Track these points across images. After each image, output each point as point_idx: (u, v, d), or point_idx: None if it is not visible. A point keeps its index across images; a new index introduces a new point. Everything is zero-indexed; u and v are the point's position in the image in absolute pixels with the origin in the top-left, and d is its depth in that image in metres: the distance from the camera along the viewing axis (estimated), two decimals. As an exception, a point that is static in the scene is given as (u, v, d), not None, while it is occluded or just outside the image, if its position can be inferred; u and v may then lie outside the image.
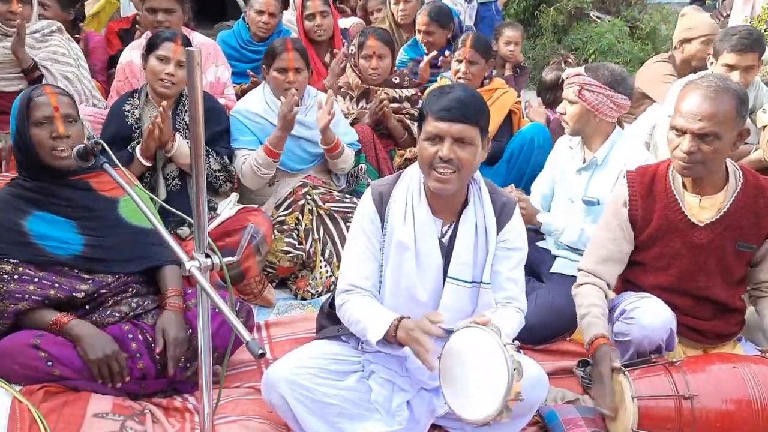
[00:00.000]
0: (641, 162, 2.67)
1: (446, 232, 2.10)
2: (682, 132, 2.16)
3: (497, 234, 2.09)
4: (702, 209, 2.28)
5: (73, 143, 2.24)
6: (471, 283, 2.08)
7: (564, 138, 2.98)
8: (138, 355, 2.23)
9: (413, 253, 2.05)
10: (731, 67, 3.32)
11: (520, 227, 2.16)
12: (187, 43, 3.07)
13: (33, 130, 2.26)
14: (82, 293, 2.27)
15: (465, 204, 2.11)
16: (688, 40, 4.02)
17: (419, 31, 4.20)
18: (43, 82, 3.29)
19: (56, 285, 2.24)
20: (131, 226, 2.39)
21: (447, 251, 2.08)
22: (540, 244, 2.98)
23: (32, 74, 3.29)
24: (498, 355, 1.73)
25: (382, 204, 2.09)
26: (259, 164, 3.13)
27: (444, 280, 2.08)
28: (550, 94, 3.95)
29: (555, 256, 2.89)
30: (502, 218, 2.11)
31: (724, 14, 6.47)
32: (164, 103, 2.85)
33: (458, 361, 1.84)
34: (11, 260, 2.22)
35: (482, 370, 1.77)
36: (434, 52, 4.15)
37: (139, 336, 2.25)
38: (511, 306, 2.11)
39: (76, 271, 2.29)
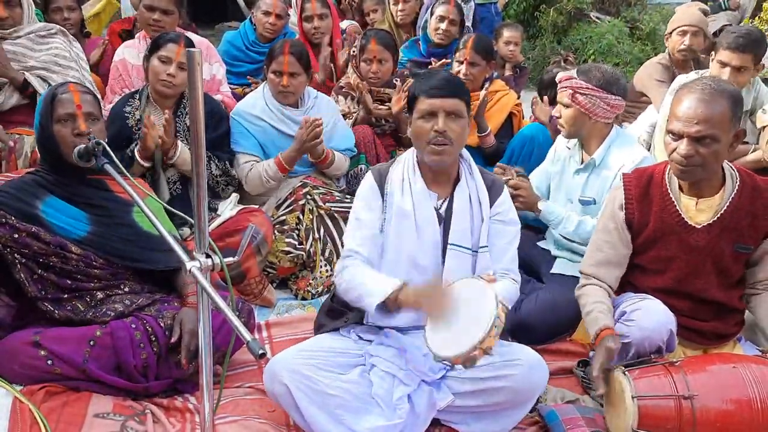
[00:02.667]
0: (640, 161, 2.67)
1: (441, 205, 2.24)
2: (678, 136, 2.16)
3: (490, 207, 2.25)
4: (699, 211, 2.27)
5: None
6: (471, 249, 2.21)
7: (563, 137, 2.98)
8: (141, 345, 2.24)
9: (413, 221, 2.19)
10: (723, 64, 3.32)
11: (510, 203, 2.32)
12: (191, 45, 3.07)
13: (56, 126, 2.30)
14: (73, 253, 2.28)
15: (457, 180, 2.26)
16: (670, 33, 4.12)
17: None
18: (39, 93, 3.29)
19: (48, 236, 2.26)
20: (143, 231, 2.41)
21: (444, 221, 2.22)
22: (540, 244, 2.99)
23: (27, 90, 3.27)
24: (488, 308, 1.85)
25: (381, 179, 2.26)
26: (269, 177, 3.18)
27: (444, 249, 2.20)
28: (551, 91, 3.97)
29: (555, 257, 2.90)
30: (493, 193, 2.27)
31: (734, 7, 6.50)
32: (167, 113, 2.88)
33: (452, 303, 1.96)
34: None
35: (470, 316, 1.88)
36: (444, 61, 4.09)
37: (141, 327, 2.26)
38: (508, 277, 2.25)
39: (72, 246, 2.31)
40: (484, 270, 2.18)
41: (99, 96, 3.20)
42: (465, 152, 2.29)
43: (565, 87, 2.75)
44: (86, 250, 2.31)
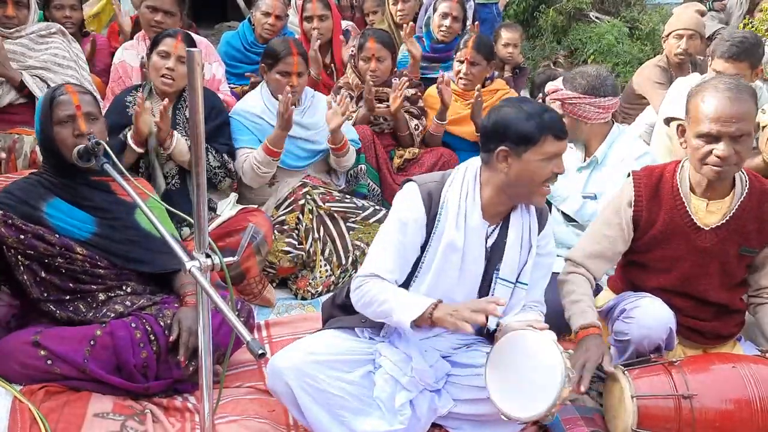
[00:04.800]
0: (641, 156, 2.68)
1: (490, 234, 2.11)
2: (715, 138, 2.11)
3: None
4: (709, 213, 2.27)
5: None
6: (513, 283, 2.12)
7: None
8: (141, 345, 2.23)
9: (460, 255, 2.06)
10: (719, 74, 3.31)
11: (550, 234, 2.22)
12: (189, 40, 3.09)
13: (56, 128, 2.31)
14: (78, 254, 2.28)
15: (512, 208, 2.13)
16: (667, 36, 4.15)
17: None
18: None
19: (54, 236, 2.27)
20: (146, 232, 2.42)
21: (490, 255, 2.10)
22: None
23: (24, 90, 3.27)
24: (555, 361, 1.82)
25: (431, 203, 2.07)
26: (259, 162, 3.14)
27: (481, 281, 2.11)
28: (543, 91, 3.97)
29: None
30: (540, 224, 2.16)
31: (719, 9, 6.51)
32: (165, 100, 2.88)
33: (512, 360, 1.92)
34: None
35: (536, 371, 1.85)
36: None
37: (141, 327, 2.26)
38: (536, 309, 2.20)
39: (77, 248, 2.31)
40: (515, 305, 2.13)
41: (98, 96, 3.21)
42: None
43: (554, 99, 2.77)
44: (91, 251, 2.31)
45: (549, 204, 2.97)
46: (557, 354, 1.83)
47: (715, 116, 2.10)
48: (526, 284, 2.13)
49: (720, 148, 2.11)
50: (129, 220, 2.41)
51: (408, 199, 2.08)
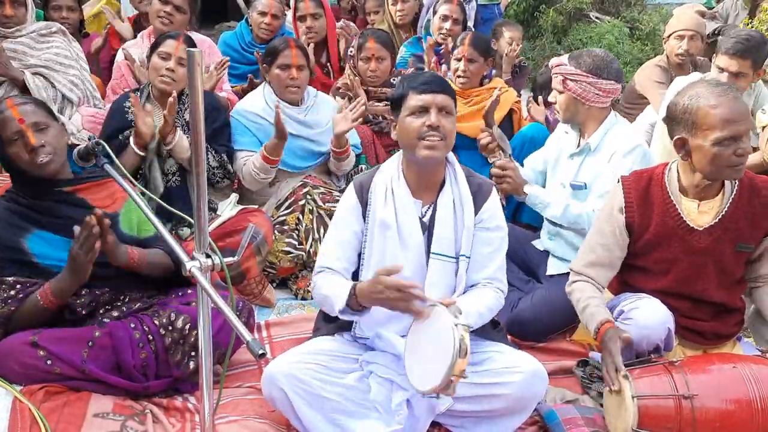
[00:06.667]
0: (630, 150, 2.66)
1: (426, 212, 2.19)
2: (735, 138, 2.13)
3: (475, 214, 2.18)
4: (701, 213, 2.27)
5: (52, 149, 2.24)
6: (454, 258, 2.16)
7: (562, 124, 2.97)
8: (140, 345, 2.23)
9: (395, 231, 2.15)
10: (722, 70, 3.29)
11: (496, 208, 2.24)
12: (191, 43, 3.08)
13: (8, 148, 2.24)
14: (80, 307, 2.28)
15: (442, 185, 2.20)
16: (668, 38, 4.15)
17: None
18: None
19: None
20: (132, 240, 2.39)
21: (428, 229, 2.17)
22: (535, 243, 2.97)
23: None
24: (448, 334, 1.84)
25: (362, 192, 2.21)
26: (257, 169, 3.15)
27: (427, 258, 2.16)
28: (545, 93, 3.97)
29: (547, 253, 2.87)
30: (478, 198, 2.20)
31: (710, 18, 6.50)
32: (174, 93, 2.88)
33: (419, 337, 1.96)
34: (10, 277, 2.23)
35: (436, 346, 1.87)
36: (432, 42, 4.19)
37: (140, 327, 2.25)
38: (492, 286, 2.19)
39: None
40: (462, 279, 2.16)
41: (82, 100, 3.26)
42: (451, 156, 2.24)
43: (557, 73, 2.76)
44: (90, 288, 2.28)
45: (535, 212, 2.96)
46: (450, 329, 1.84)
47: (731, 118, 2.13)
48: (468, 256, 2.16)
49: (742, 147, 2.14)
50: (114, 233, 2.32)
51: (345, 194, 2.26)
